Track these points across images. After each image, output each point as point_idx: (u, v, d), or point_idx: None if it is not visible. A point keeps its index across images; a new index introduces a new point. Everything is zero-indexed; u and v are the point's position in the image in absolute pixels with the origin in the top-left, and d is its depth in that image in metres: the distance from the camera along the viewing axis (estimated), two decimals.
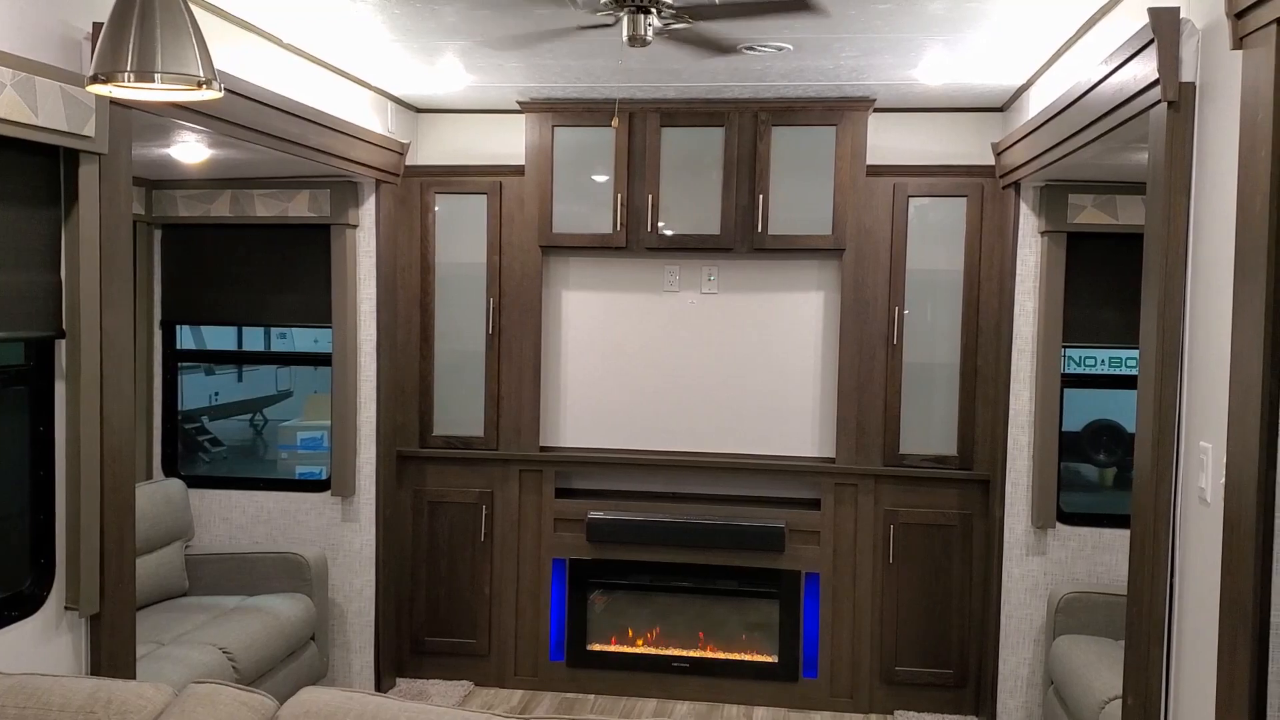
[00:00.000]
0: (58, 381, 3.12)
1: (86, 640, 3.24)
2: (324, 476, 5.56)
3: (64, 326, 3.10)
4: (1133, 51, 3.00)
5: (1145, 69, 2.91)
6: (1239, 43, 2.31)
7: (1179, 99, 2.77)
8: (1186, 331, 2.80)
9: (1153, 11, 2.79)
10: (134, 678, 3.38)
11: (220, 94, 2.43)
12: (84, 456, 3.10)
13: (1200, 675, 2.62)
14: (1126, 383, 5.98)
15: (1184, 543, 2.79)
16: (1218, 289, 2.57)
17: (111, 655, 3.26)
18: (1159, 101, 2.84)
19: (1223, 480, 2.45)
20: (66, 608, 3.15)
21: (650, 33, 3.50)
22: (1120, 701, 3.90)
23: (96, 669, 3.23)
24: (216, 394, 13.77)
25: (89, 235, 3.09)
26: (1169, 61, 2.77)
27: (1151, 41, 2.82)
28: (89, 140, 3.02)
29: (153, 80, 2.26)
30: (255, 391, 14.45)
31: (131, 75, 2.24)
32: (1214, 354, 2.58)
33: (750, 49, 4.26)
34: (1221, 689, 2.35)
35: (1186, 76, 2.78)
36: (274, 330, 13.37)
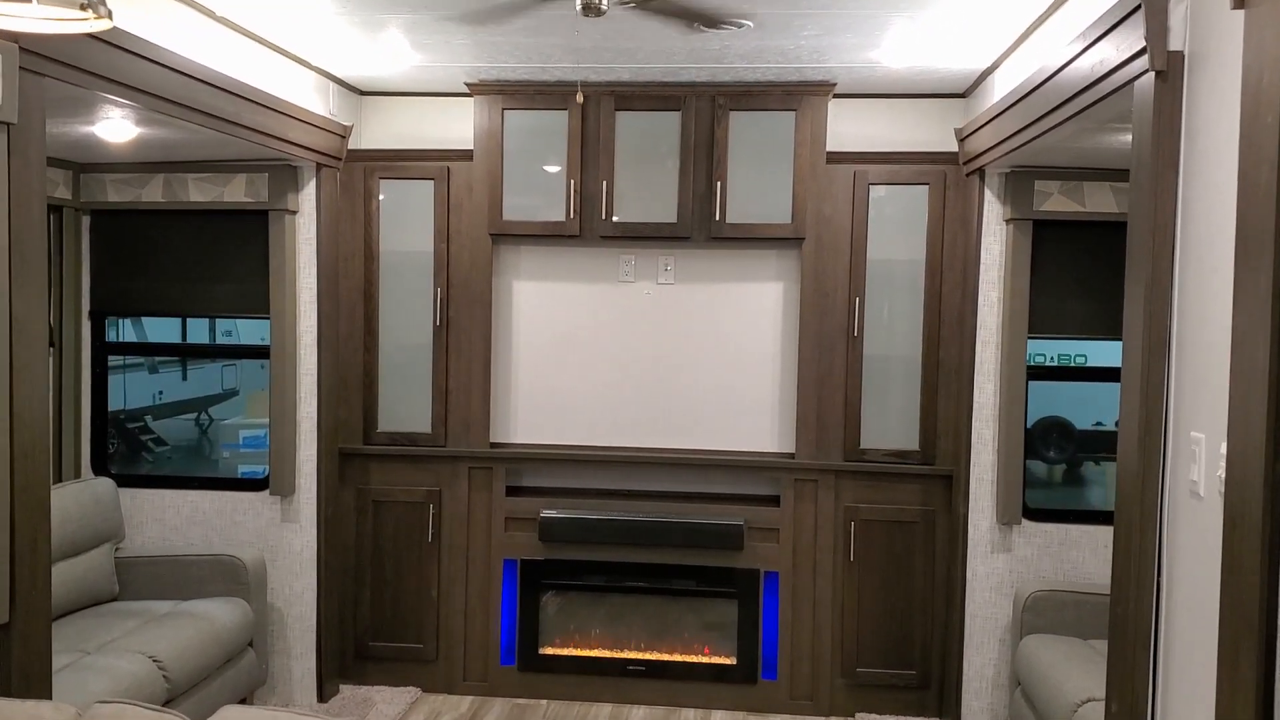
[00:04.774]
0: None
1: None
2: (265, 475, 5.31)
3: None
4: (1115, 21, 2.85)
5: (1129, 39, 2.76)
6: (1240, 2, 2.15)
7: (1167, 68, 2.61)
8: (1174, 317, 2.65)
9: None
10: (49, 693, 3.13)
11: (111, 23, 2.15)
12: None
13: (1194, 680, 2.47)
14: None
15: (1173, 539, 2.64)
16: (1212, 270, 2.42)
17: (23, 669, 3.01)
18: (1145, 72, 2.69)
19: (1220, 473, 2.30)
20: None
21: (606, 2, 3.30)
22: (1093, 704, 3.80)
23: (6, 684, 2.98)
24: (161, 393, 13.41)
25: None
26: (1157, 29, 2.62)
27: (1137, 8, 2.67)
28: None
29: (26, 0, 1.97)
30: (200, 390, 14.11)
31: None
32: (1207, 339, 2.44)
33: (709, 25, 4.07)
34: (1222, 696, 2.19)
35: (1175, 45, 2.63)
36: (220, 326, 13.05)
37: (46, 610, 3.12)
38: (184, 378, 14.21)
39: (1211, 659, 2.30)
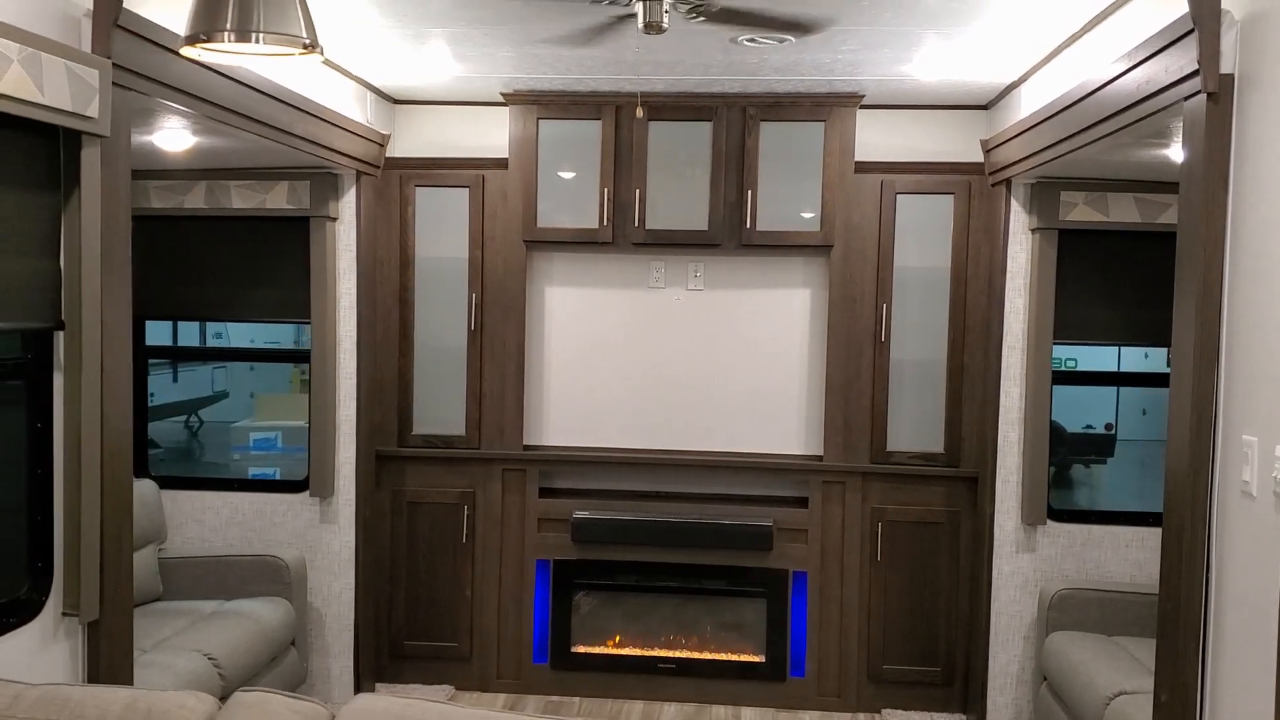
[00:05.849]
0: (56, 375, 2.96)
1: (83, 647, 3.09)
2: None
3: (63, 317, 2.94)
4: (1164, 44, 2.98)
5: (1180, 61, 2.89)
6: None
7: (1219, 90, 2.75)
8: (1224, 325, 2.79)
9: (1194, 1, 2.78)
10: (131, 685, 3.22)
11: (323, 57, 2.30)
12: (85, 454, 2.94)
13: (1248, 671, 2.60)
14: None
15: (1223, 537, 2.78)
16: (1267, 281, 2.56)
17: (110, 663, 3.11)
18: (1196, 94, 2.83)
19: (1276, 474, 2.44)
20: (64, 613, 2.99)
21: (667, 19, 3.42)
22: (1124, 697, 3.94)
23: (94, 678, 3.08)
24: (152, 394, 13.40)
25: (90, 222, 2.94)
26: (1210, 53, 2.75)
27: (1189, 32, 2.80)
28: (92, 121, 2.87)
29: (252, 41, 2.12)
30: (190, 393, 14.11)
31: (231, 35, 2.10)
32: (1260, 348, 2.57)
33: (752, 40, 4.20)
34: None
35: (1225, 68, 2.77)
36: (210, 329, 13.09)
37: (129, 607, 3.23)
38: (174, 379, 14.22)
39: (1267, 648, 2.44)
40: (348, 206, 5.14)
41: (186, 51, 2.29)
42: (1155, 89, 3.07)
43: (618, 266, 5.46)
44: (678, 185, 5.23)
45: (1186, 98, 2.89)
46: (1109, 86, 3.45)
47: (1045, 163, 4.27)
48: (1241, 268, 2.71)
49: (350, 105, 4.91)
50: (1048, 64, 4.30)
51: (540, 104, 5.22)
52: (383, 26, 4.15)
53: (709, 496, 5.43)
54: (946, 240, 5.21)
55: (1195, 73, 2.80)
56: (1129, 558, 4.95)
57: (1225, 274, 2.79)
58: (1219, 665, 2.79)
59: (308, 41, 2.16)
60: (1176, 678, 2.89)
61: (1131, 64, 3.24)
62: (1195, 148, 2.84)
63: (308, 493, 5.20)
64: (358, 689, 5.24)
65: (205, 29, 2.13)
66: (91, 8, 2.95)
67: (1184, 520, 2.87)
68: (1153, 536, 4.79)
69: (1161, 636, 3.00)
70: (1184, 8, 2.83)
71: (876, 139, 5.24)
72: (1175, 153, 3.89)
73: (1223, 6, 2.77)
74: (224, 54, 2.27)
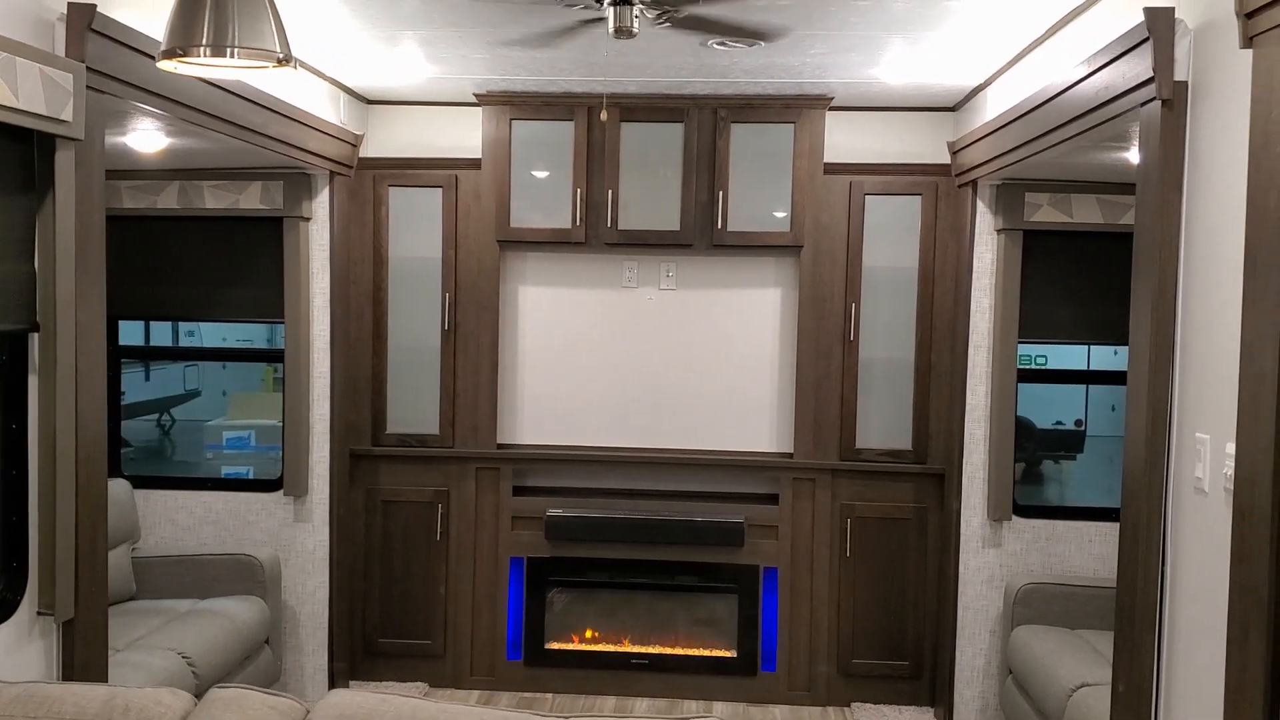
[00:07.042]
0: (31, 377, 2.99)
1: (58, 646, 3.11)
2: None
3: (38, 320, 2.96)
4: (1121, 51, 3.06)
5: (1136, 68, 2.97)
6: (1249, 41, 2.36)
7: (1173, 97, 2.83)
8: (1179, 325, 2.86)
9: (1149, 11, 2.85)
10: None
11: (296, 70, 2.36)
12: (59, 454, 2.97)
13: (1200, 661, 2.68)
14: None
15: (1177, 531, 2.86)
16: (1217, 283, 2.63)
17: (84, 663, 3.13)
18: (1151, 100, 2.90)
19: (1227, 470, 2.51)
20: (39, 613, 3.02)
21: (637, 25, 3.47)
22: (1086, 688, 4.03)
23: (69, 676, 3.10)
24: (123, 393, 13.34)
25: (64, 225, 2.97)
26: (1164, 60, 2.83)
27: (1145, 40, 2.88)
28: (67, 125, 2.89)
29: (227, 55, 2.17)
30: (163, 391, 14.07)
31: (207, 50, 2.15)
32: (1213, 348, 2.64)
33: (722, 44, 4.25)
34: (1231, 675, 2.40)
35: (1179, 76, 2.84)
36: (182, 328, 13.06)
37: (104, 607, 3.26)
38: (146, 378, 14.19)
39: (1217, 637, 2.51)
40: (321, 206, 5.17)
41: (163, 65, 2.33)
42: (1113, 94, 3.15)
43: (590, 266, 5.51)
44: (650, 186, 5.29)
45: (1143, 104, 2.97)
46: (1070, 91, 3.53)
47: (1010, 164, 4.35)
48: (1195, 269, 2.79)
49: (323, 106, 4.93)
50: (1012, 68, 4.38)
51: (513, 105, 5.26)
52: (355, 28, 4.18)
53: (681, 494, 5.48)
54: (914, 240, 5.28)
55: (1150, 80, 2.88)
56: (1092, 552, 5.04)
57: (1179, 275, 2.86)
58: (1173, 656, 2.87)
59: (281, 55, 2.21)
60: (1133, 669, 2.97)
61: (1091, 70, 3.31)
62: (1151, 152, 2.92)
63: (281, 492, 5.23)
64: (332, 687, 5.26)
65: (182, 43, 2.18)
66: (65, 12, 2.97)
67: (1140, 516, 2.95)
68: (1115, 532, 4.86)
69: (1119, 629, 3.08)
70: (1140, 16, 2.91)
71: (845, 141, 5.30)
72: (1135, 156, 3.97)
73: (1177, 16, 2.85)
74: (200, 67, 2.31)
